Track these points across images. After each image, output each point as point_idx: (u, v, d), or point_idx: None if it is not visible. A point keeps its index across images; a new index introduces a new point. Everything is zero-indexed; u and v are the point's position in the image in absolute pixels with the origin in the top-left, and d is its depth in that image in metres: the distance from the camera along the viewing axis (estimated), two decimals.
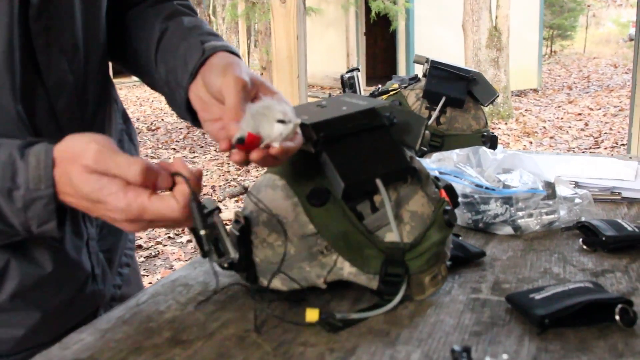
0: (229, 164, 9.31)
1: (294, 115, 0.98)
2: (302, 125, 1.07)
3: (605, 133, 10.80)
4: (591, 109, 13.17)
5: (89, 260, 1.23)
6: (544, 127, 11.56)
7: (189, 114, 1.19)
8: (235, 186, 7.82)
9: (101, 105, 1.27)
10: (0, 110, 1.04)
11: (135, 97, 16.89)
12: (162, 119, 13.61)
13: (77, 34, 1.16)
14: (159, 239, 6.05)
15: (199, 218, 0.94)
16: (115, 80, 1.37)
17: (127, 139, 1.39)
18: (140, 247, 5.82)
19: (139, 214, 0.91)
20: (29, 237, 0.99)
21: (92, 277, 1.24)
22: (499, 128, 11.45)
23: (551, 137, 10.72)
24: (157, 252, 5.76)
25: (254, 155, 0.97)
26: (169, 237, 6.11)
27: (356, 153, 1.07)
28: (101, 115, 1.27)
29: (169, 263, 5.50)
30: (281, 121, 0.96)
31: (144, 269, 5.35)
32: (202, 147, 10.86)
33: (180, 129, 12.37)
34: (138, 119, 13.49)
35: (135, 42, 1.28)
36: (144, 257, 5.61)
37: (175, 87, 1.18)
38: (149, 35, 1.25)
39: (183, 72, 1.16)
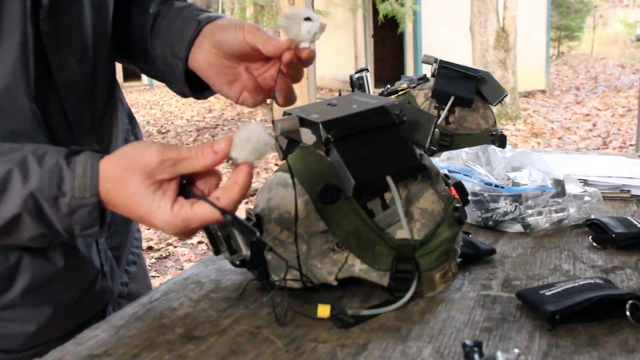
0: None
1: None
2: (313, 124, 1.08)
3: (614, 133, 10.76)
4: (599, 110, 13.13)
5: (98, 257, 1.24)
6: (552, 128, 11.53)
7: (188, 86, 1.22)
8: None
9: (109, 104, 1.28)
10: (16, 109, 1.05)
11: (146, 100, 16.89)
12: (172, 122, 13.63)
13: (86, 34, 1.17)
14: (169, 240, 6.05)
15: (244, 229, 0.96)
16: (125, 84, 1.40)
17: (133, 139, 1.40)
18: (151, 248, 5.83)
19: (184, 225, 0.93)
20: (70, 239, 1.00)
21: (102, 274, 1.25)
22: (507, 129, 11.42)
23: (559, 138, 10.69)
24: (167, 254, 5.77)
25: (286, 56, 1.07)
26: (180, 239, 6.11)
27: (367, 151, 1.08)
28: (109, 114, 1.28)
29: (180, 264, 5.51)
30: (308, 19, 1.03)
31: (155, 270, 5.36)
32: None
33: (190, 131, 12.39)
34: (148, 122, 13.52)
35: (132, 28, 1.31)
36: (155, 259, 5.62)
37: (172, 60, 1.21)
38: (144, 19, 1.28)
39: (179, 44, 1.19)
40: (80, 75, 1.16)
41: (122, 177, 0.93)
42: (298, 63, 1.11)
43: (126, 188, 0.93)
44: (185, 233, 0.95)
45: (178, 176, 0.94)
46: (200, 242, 5.89)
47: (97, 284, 1.25)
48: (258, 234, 0.95)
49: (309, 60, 1.10)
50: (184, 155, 0.93)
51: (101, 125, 1.25)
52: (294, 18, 1.04)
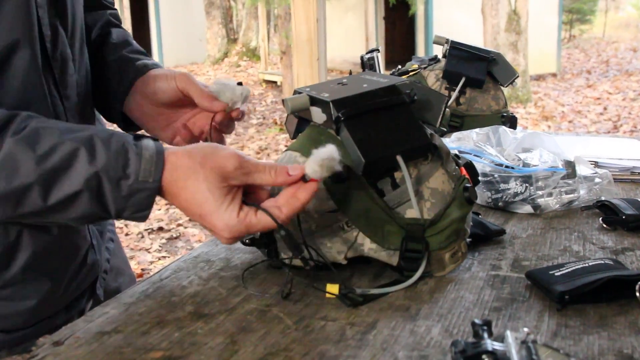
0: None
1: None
2: (323, 102, 1.08)
3: (625, 117, 10.71)
4: (610, 93, 13.06)
5: (88, 231, 1.26)
6: (563, 112, 11.48)
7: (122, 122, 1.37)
8: None
9: (86, 82, 1.29)
10: (24, 69, 1.06)
11: None
12: None
13: (76, 14, 1.21)
14: (180, 221, 6.07)
15: (291, 244, 1.01)
16: None
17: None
18: (161, 229, 5.85)
19: (246, 230, 0.99)
20: (114, 219, 1.05)
21: (92, 247, 1.27)
22: (518, 112, 11.36)
23: (570, 121, 10.65)
24: (178, 234, 5.79)
25: (218, 117, 1.24)
26: (190, 219, 6.13)
27: (377, 130, 1.07)
28: (89, 94, 1.30)
29: (190, 245, 5.53)
30: (240, 84, 1.23)
31: (165, 251, 5.39)
32: None
33: None
34: None
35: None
36: (166, 239, 5.64)
37: (109, 97, 1.33)
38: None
39: (118, 85, 1.31)
40: (71, 51, 1.18)
41: (196, 172, 0.98)
42: (229, 121, 1.27)
43: (197, 183, 0.97)
44: (239, 237, 1.01)
45: (245, 185, 1.01)
46: None
47: (88, 257, 1.26)
48: (302, 253, 1.01)
49: (239, 119, 1.27)
50: (259, 168, 1.00)
51: (85, 107, 1.27)
52: (227, 84, 1.23)
